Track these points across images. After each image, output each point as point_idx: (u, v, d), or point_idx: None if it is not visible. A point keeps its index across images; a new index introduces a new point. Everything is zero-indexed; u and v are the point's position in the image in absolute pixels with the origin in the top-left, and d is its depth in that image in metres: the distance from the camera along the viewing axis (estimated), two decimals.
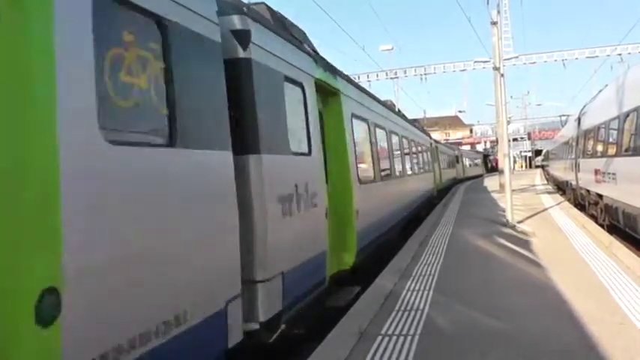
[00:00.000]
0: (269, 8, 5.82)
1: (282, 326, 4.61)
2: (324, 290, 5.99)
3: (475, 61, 33.75)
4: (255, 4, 5.62)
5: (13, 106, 2.12)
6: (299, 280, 4.98)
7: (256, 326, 4.16)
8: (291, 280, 4.72)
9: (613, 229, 11.50)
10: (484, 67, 33.13)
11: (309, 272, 5.34)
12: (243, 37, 4.35)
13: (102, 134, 2.57)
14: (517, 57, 33.64)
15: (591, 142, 14.30)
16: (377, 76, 39.48)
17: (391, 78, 41.09)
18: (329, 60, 7.49)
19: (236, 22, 4.35)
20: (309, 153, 5.66)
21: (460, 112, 72.78)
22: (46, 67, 2.26)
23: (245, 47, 4.35)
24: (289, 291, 4.68)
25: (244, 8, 4.64)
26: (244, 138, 4.23)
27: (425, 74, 40.42)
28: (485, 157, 74.87)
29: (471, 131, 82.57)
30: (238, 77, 4.27)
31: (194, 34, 3.56)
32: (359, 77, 35.51)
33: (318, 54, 7.08)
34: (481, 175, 50.67)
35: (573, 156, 18.26)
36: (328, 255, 5.97)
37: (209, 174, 3.60)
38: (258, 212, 4.22)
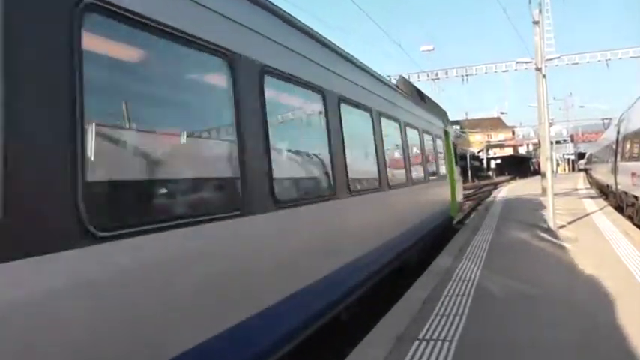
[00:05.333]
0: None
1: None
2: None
3: (517, 62, 33.54)
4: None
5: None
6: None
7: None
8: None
9: None
10: (526, 68, 32.92)
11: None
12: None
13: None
14: (559, 57, 33.17)
15: (629, 146, 14.41)
16: (418, 77, 39.39)
17: (432, 79, 41.17)
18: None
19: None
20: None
21: (502, 113, 71.58)
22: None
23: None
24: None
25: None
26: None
27: (466, 75, 40.30)
28: (528, 159, 73.45)
29: (513, 133, 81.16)
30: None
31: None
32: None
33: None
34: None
35: (613, 159, 18.25)
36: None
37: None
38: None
